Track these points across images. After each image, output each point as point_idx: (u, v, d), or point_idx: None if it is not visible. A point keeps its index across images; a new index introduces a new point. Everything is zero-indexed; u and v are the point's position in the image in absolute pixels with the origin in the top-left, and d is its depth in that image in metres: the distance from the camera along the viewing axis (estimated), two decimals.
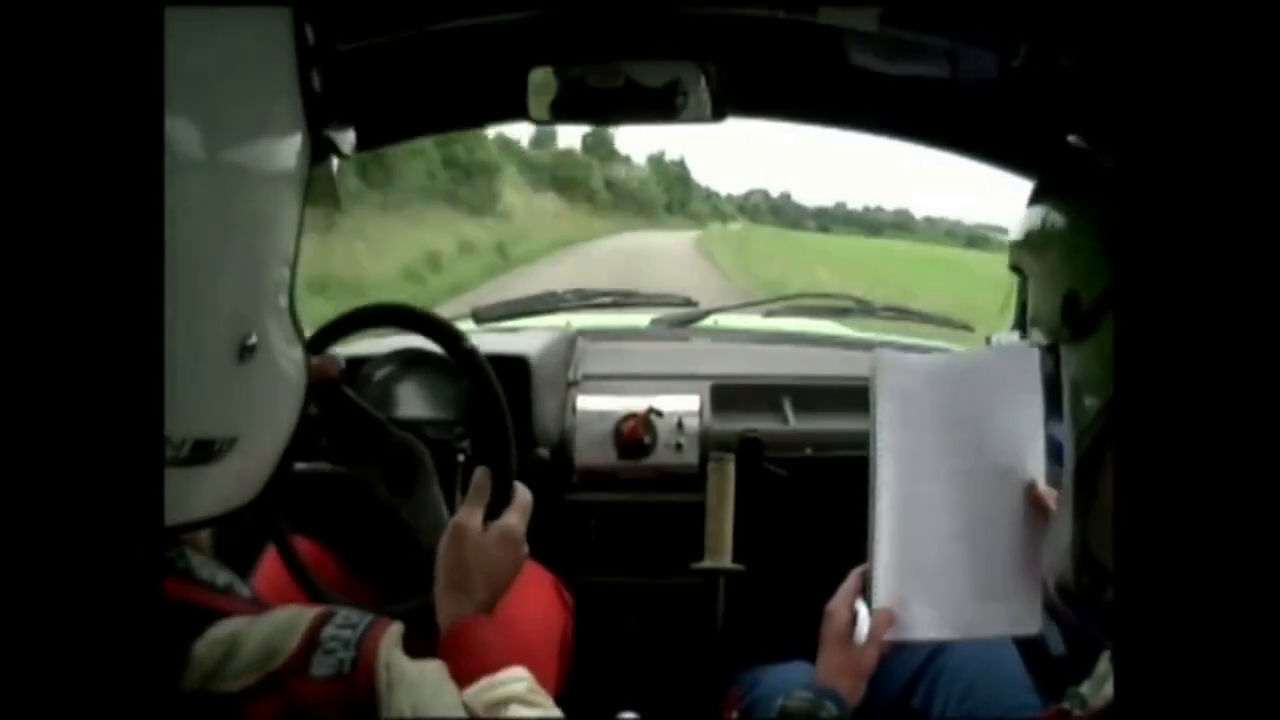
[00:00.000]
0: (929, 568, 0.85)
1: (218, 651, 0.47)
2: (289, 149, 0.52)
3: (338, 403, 1.04)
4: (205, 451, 0.49)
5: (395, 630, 0.52)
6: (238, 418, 0.51)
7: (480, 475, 0.85)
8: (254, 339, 0.50)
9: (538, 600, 1.15)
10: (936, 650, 0.97)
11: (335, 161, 0.58)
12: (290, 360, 0.55)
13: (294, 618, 0.50)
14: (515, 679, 0.72)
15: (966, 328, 1.71)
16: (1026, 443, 0.85)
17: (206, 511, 0.52)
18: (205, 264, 0.47)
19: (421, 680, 0.51)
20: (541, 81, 1.16)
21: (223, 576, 0.54)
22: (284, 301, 0.54)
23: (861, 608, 0.86)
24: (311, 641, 0.49)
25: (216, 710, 0.47)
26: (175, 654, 0.47)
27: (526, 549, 0.85)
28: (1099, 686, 0.60)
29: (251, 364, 0.50)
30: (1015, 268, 0.63)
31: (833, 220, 73.49)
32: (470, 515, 0.82)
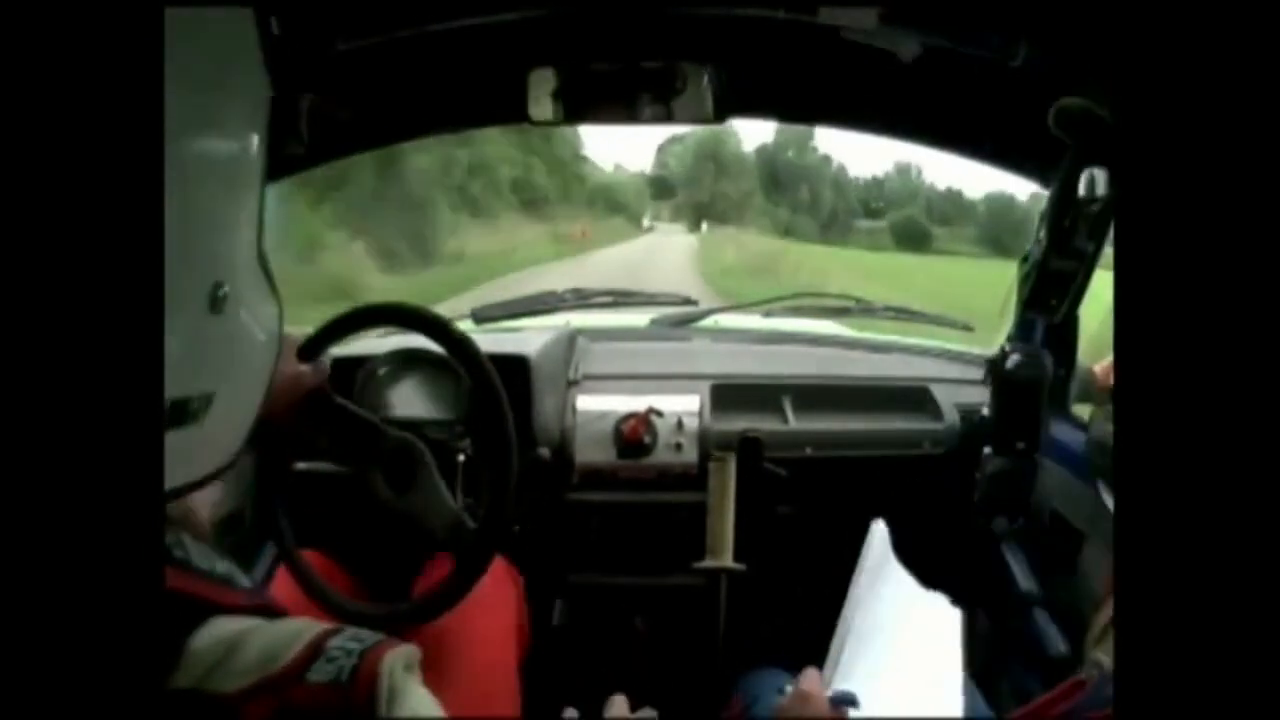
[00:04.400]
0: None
1: (218, 651, 0.47)
2: (250, 103, 0.51)
3: (330, 410, 1.05)
4: (181, 412, 0.48)
5: (405, 650, 0.50)
6: (213, 373, 0.50)
7: None
8: (226, 288, 0.49)
9: (489, 584, 1.15)
10: None
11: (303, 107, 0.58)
12: (264, 314, 0.55)
13: (301, 627, 0.50)
14: None
15: (966, 327, 1.70)
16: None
17: (189, 476, 0.51)
18: (172, 213, 0.45)
19: (422, 700, 0.49)
20: (541, 81, 1.16)
21: (221, 566, 0.53)
22: (255, 255, 0.53)
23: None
24: (315, 650, 0.48)
25: (209, 710, 0.46)
26: (169, 647, 0.46)
27: None
28: None
29: (225, 316, 0.50)
30: None
31: None
32: None
